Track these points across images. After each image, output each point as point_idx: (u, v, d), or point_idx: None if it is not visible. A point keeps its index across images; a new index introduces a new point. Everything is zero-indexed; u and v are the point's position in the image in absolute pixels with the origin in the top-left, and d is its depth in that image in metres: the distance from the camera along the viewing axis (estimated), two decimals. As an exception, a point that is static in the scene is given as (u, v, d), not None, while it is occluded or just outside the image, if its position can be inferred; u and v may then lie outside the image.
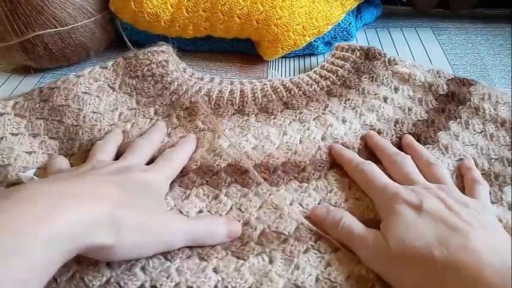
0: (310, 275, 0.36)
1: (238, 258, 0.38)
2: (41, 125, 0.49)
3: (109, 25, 0.64)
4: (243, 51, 0.66)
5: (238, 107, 0.51)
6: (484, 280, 0.30)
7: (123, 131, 0.49)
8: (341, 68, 0.55)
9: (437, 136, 0.47)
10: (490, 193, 0.41)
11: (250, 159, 0.45)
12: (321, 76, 0.55)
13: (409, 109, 0.50)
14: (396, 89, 0.53)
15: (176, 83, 0.53)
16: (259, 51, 0.63)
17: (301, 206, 0.42)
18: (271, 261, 0.37)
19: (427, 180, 0.41)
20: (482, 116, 0.49)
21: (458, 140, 0.47)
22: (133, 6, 0.59)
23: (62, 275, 0.36)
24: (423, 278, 0.32)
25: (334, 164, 0.45)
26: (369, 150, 0.47)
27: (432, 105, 0.51)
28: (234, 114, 0.51)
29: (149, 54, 0.55)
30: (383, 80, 0.53)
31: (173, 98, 0.52)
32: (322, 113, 0.50)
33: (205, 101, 0.52)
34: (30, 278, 0.28)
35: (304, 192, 0.43)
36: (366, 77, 0.54)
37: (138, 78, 0.53)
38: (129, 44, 0.61)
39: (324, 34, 0.63)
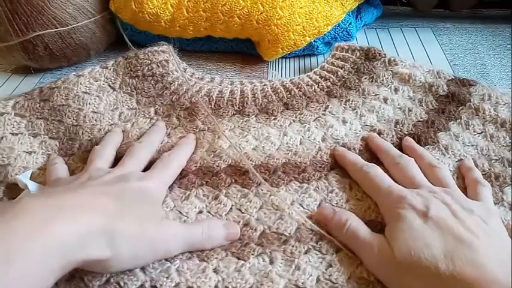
0: (311, 275, 0.36)
1: (238, 258, 0.38)
2: (41, 124, 0.49)
3: (109, 25, 0.64)
4: (243, 52, 0.66)
5: (239, 108, 0.51)
6: None
7: (123, 131, 0.49)
8: (341, 68, 0.55)
9: (437, 137, 0.47)
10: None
11: (251, 160, 0.45)
12: (321, 77, 0.55)
13: (409, 110, 0.50)
14: (396, 90, 0.53)
15: (176, 83, 0.53)
16: (259, 51, 0.63)
17: (301, 206, 0.42)
18: (271, 262, 0.37)
19: (430, 183, 0.41)
20: (482, 117, 0.49)
21: (458, 141, 0.47)
22: (133, 6, 0.59)
23: (61, 275, 0.36)
24: None
25: (335, 165, 0.45)
26: (370, 152, 0.47)
27: (432, 106, 0.51)
28: (234, 114, 0.51)
29: (150, 54, 0.55)
30: (383, 80, 0.53)
31: (173, 98, 0.52)
32: (323, 114, 0.50)
33: (206, 101, 0.52)
34: None
35: (305, 193, 0.43)
36: (366, 78, 0.54)
37: (139, 78, 0.53)
38: (130, 43, 0.61)
39: (324, 34, 0.63)
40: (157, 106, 0.52)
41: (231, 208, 0.42)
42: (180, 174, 0.45)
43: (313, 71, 0.56)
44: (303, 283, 0.35)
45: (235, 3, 0.58)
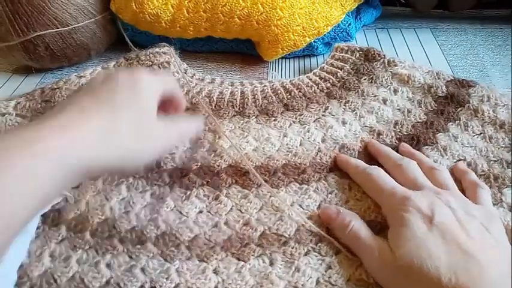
0: (311, 277, 0.36)
1: (238, 259, 0.38)
2: (42, 125, 0.49)
3: (110, 26, 0.65)
4: (243, 52, 0.66)
5: (239, 109, 0.51)
6: None
7: None
8: (340, 69, 0.55)
9: (436, 138, 0.48)
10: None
11: (251, 161, 0.46)
12: (320, 78, 0.55)
13: (409, 111, 0.51)
14: (395, 91, 0.53)
15: (177, 84, 0.53)
16: (259, 51, 0.63)
17: (301, 207, 0.42)
18: (271, 263, 0.37)
19: None
20: (481, 118, 0.49)
21: (457, 142, 0.47)
22: (134, 7, 0.60)
23: (62, 275, 0.37)
24: None
25: (335, 166, 0.46)
26: (370, 154, 0.47)
27: (431, 107, 0.51)
28: (234, 115, 0.51)
29: (151, 55, 0.55)
30: (382, 81, 0.54)
31: (174, 99, 0.52)
32: (322, 115, 0.51)
33: (206, 102, 0.52)
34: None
35: (305, 194, 0.43)
36: (365, 79, 0.54)
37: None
38: (131, 44, 0.61)
39: (324, 35, 0.63)
40: (157, 107, 0.52)
41: (231, 208, 0.42)
42: (181, 173, 0.45)
43: (312, 72, 0.56)
44: (302, 285, 0.36)
45: (236, 3, 0.58)
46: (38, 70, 0.63)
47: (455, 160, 0.46)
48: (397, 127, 0.49)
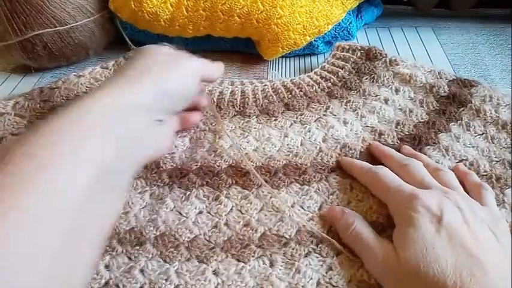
0: (311, 279, 0.36)
1: (238, 261, 0.38)
2: (41, 125, 0.49)
3: (108, 24, 0.64)
4: (243, 51, 0.65)
5: (240, 109, 0.51)
6: None
7: None
8: (342, 68, 0.55)
9: (438, 138, 0.47)
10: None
11: (251, 161, 0.45)
12: (321, 77, 0.54)
13: (410, 111, 0.50)
14: (397, 91, 0.52)
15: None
16: (259, 50, 0.63)
17: (302, 208, 0.42)
18: (272, 265, 0.37)
19: None
20: (483, 118, 0.49)
21: (459, 142, 0.47)
22: (132, 5, 0.59)
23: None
24: None
25: (336, 167, 0.45)
26: (372, 154, 0.46)
27: (433, 107, 0.51)
28: (235, 115, 0.51)
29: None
30: (384, 81, 0.53)
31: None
32: (324, 115, 0.50)
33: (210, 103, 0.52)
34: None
35: (306, 195, 0.43)
36: (366, 78, 0.54)
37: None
38: (130, 43, 0.61)
39: (325, 34, 0.63)
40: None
41: (231, 209, 0.42)
42: (181, 173, 0.45)
43: (313, 71, 0.56)
44: (303, 286, 0.35)
45: (235, 2, 0.58)
46: (36, 69, 0.63)
47: (457, 160, 0.45)
48: (398, 127, 0.49)
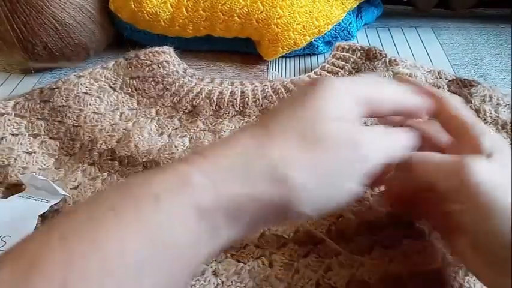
0: (310, 279, 0.36)
1: (238, 261, 0.37)
2: (41, 125, 0.49)
3: (108, 25, 0.64)
4: (243, 51, 0.65)
5: (239, 109, 0.51)
6: None
7: (123, 129, 0.49)
8: (341, 69, 0.55)
9: (437, 138, 0.47)
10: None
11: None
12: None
13: (410, 111, 0.50)
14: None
15: (177, 84, 0.53)
16: (259, 50, 0.63)
17: None
18: (271, 265, 0.37)
19: None
20: (483, 118, 0.48)
21: (458, 142, 0.47)
22: (132, 5, 0.59)
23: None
24: None
25: None
26: None
27: (433, 107, 0.50)
28: (235, 115, 0.51)
29: (150, 54, 0.54)
30: (384, 81, 0.53)
31: (174, 100, 0.52)
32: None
33: (207, 102, 0.52)
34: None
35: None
36: (366, 78, 0.54)
37: (139, 79, 0.53)
38: (128, 44, 0.61)
39: (325, 34, 0.63)
40: (158, 107, 0.52)
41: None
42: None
43: (313, 71, 0.56)
44: (302, 287, 0.35)
45: (235, 2, 0.58)
46: (36, 70, 0.63)
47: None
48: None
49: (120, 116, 0.51)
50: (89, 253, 0.21)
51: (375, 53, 0.56)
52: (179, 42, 0.61)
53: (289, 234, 0.39)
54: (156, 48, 0.55)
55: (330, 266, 0.37)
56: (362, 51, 0.57)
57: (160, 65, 0.54)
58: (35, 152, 0.47)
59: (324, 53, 0.65)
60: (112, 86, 0.53)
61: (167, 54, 0.55)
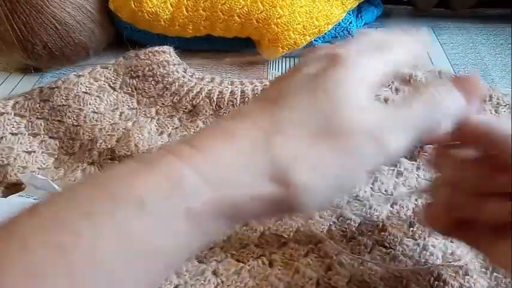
0: (311, 279, 0.36)
1: (238, 261, 0.37)
2: (41, 124, 0.49)
3: (108, 24, 0.64)
4: (243, 51, 0.65)
5: (239, 108, 0.51)
6: None
7: (123, 129, 0.49)
8: (341, 68, 0.55)
9: (437, 138, 0.47)
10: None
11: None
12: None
13: (410, 111, 0.50)
14: (397, 90, 0.52)
15: (177, 83, 0.53)
16: (259, 50, 0.63)
17: None
18: (271, 265, 0.37)
19: None
20: (483, 118, 0.48)
21: (458, 142, 0.47)
22: (132, 5, 0.59)
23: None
24: None
25: None
26: None
27: (433, 107, 0.50)
28: (234, 115, 0.51)
29: (150, 54, 0.54)
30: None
31: (174, 100, 0.52)
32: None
33: (207, 102, 0.51)
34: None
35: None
36: (366, 78, 0.54)
37: (139, 78, 0.53)
38: (128, 44, 0.61)
39: (325, 33, 0.63)
40: (158, 107, 0.52)
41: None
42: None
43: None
44: (302, 286, 0.35)
45: (235, 2, 0.58)
46: (36, 69, 0.63)
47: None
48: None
49: (120, 115, 0.51)
50: (54, 266, 0.19)
51: (375, 52, 0.56)
52: (179, 42, 0.61)
53: (289, 233, 0.39)
54: (156, 48, 0.55)
55: (330, 265, 0.37)
56: (362, 51, 0.56)
57: (160, 65, 0.54)
58: (34, 152, 0.47)
59: (324, 53, 0.65)
60: (112, 85, 0.53)
61: (167, 53, 0.55)
